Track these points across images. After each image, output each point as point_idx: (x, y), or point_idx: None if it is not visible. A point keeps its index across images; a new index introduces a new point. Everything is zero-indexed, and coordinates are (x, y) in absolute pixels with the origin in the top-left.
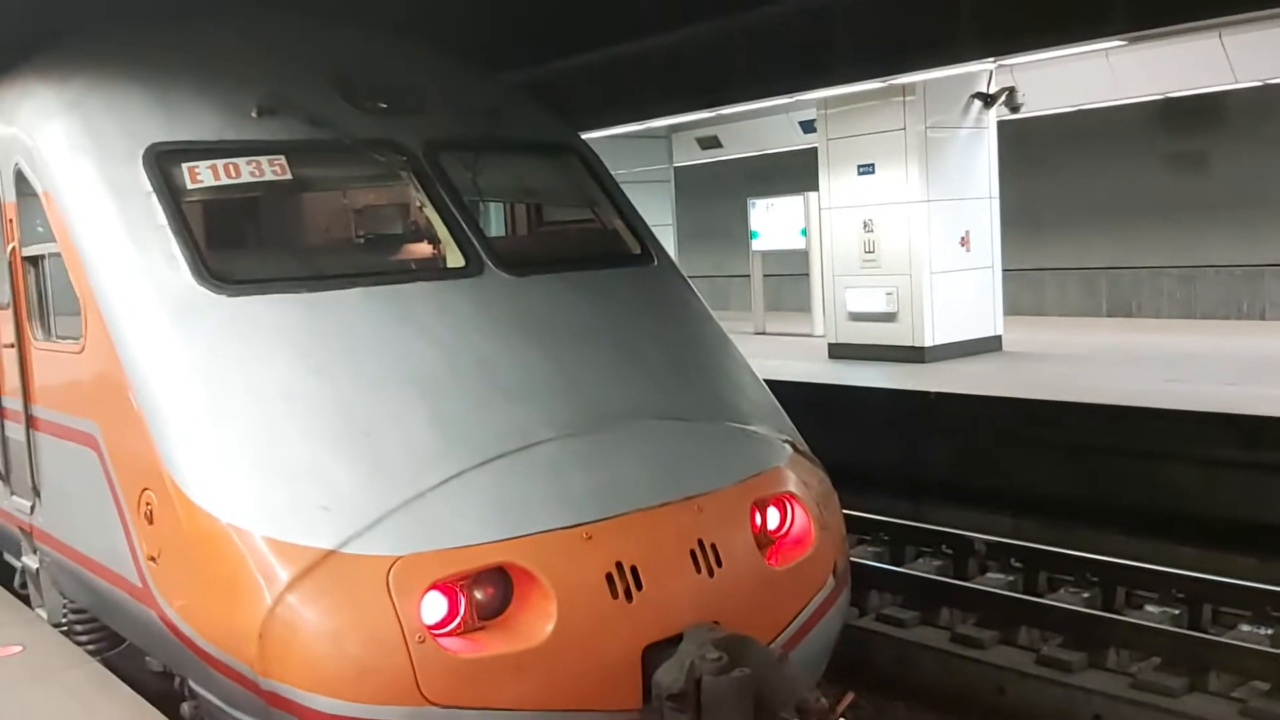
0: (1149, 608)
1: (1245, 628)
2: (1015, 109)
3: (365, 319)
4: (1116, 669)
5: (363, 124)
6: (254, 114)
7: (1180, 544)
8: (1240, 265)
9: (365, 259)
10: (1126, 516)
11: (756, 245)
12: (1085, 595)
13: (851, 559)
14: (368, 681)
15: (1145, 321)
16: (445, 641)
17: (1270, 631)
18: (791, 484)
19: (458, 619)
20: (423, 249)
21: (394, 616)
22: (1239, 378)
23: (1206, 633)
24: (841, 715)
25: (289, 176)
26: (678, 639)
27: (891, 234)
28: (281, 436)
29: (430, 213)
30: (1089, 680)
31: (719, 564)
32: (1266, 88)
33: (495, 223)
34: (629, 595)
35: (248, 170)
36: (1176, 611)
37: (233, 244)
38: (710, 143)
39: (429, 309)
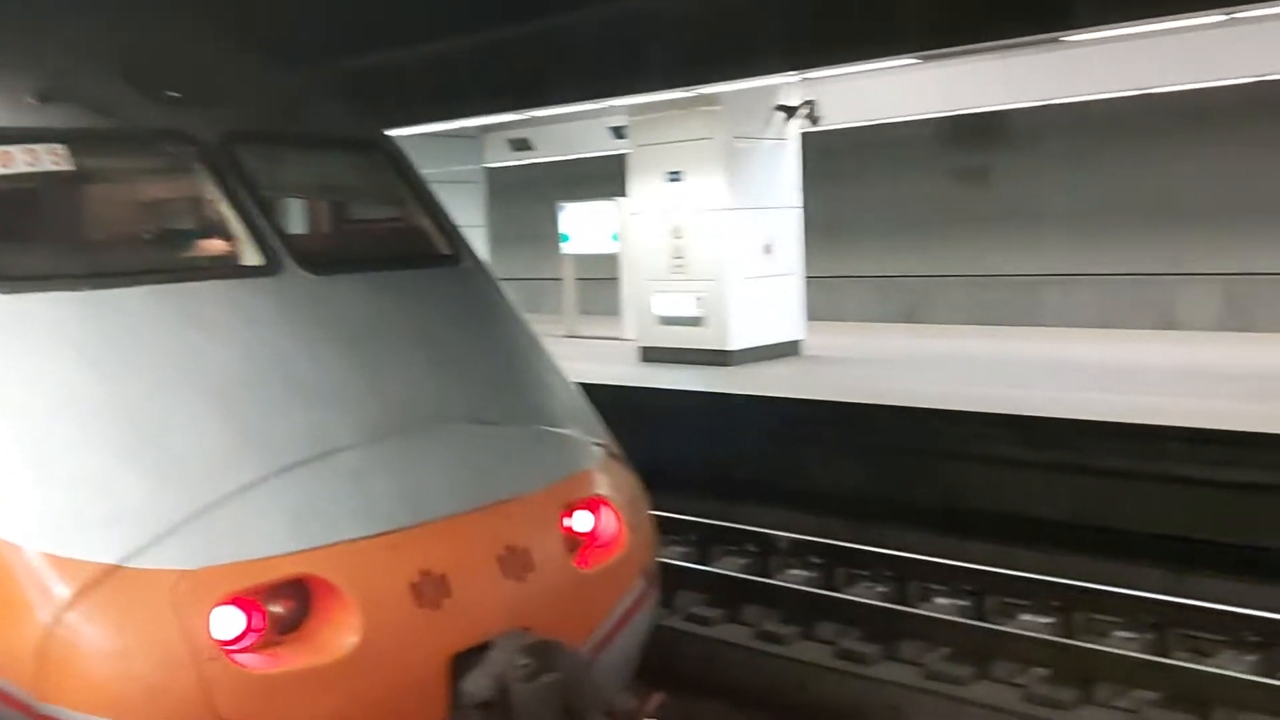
0: (939, 600)
1: (1025, 617)
2: (815, 121)
3: (153, 318)
4: (910, 660)
5: (153, 113)
6: (32, 99)
7: (967, 539)
8: (1021, 275)
9: (154, 256)
10: (917, 512)
11: (567, 249)
12: (881, 589)
13: (660, 559)
14: (157, 702)
15: (936, 327)
16: (240, 658)
17: (1049, 620)
18: (602, 487)
19: (255, 634)
20: (217, 246)
21: (183, 634)
22: (1023, 381)
23: (990, 622)
24: (651, 716)
25: (70, 167)
26: (487, 647)
27: (699, 240)
28: (61, 444)
29: (225, 208)
30: (885, 672)
31: (529, 569)
32: (1044, 108)
33: (296, 220)
34: (436, 604)
35: (23, 159)
36: (965, 603)
37: (7, 238)
38: (522, 145)
39: (223, 308)
